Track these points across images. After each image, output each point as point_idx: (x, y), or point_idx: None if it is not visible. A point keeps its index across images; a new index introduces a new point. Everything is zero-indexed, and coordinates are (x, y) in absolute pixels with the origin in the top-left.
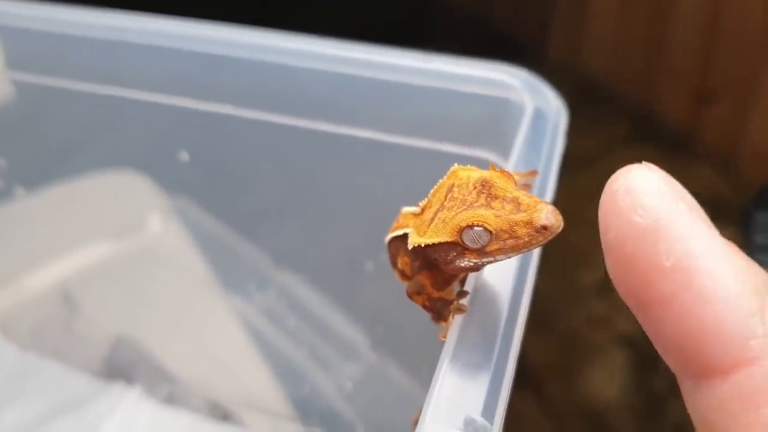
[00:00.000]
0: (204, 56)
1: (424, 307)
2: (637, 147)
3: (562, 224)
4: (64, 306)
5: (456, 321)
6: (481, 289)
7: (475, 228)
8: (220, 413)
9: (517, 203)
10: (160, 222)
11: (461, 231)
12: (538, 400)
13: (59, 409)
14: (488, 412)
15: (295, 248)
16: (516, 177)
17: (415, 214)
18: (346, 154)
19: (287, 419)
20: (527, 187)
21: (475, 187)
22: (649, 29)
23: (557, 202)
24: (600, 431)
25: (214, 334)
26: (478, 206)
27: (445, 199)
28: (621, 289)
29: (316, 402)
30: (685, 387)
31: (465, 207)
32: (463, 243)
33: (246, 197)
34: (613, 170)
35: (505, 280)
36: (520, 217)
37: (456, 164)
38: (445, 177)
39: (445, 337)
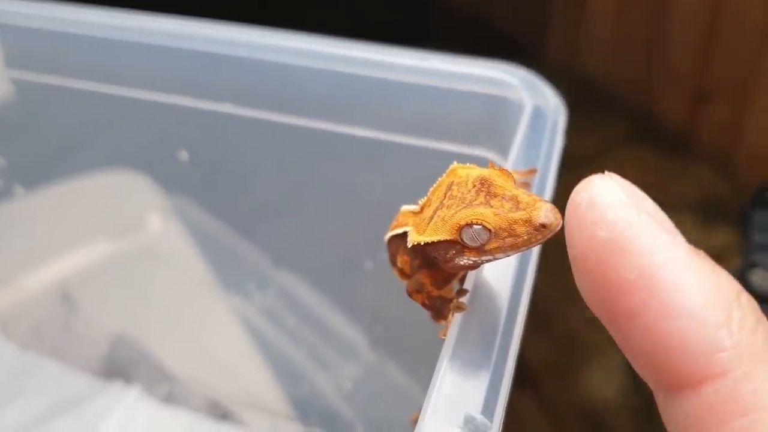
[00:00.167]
0: (203, 55)
1: (424, 305)
2: (636, 147)
3: (561, 222)
4: (64, 305)
5: (455, 319)
6: (480, 287)
7: (474, 226)
8: (220, 412)
9: (516, 201)
10: (159, 221)
11: (460, 229)
12: (537, 400)
13: (58, 408)
14: (488, 410)
15: (294, 247)
16: (515, 175)
17: (415, 213)
18: (345, 152)
19: (286, 418)
20: (526, 185)
21: (474, 186)
22: (647, 29)
23: (556, 202)
24: (598, 431)
25: (214, 334)
26: (477, 204)
27: (445, 197)
28: (589, 303)
29: (316, 401)
30: (658, 399)
31: (464, 205)
32: (463, 241)
33: (245, 196)
34: (611, 170)
35: (504, 279)
36: (519, 215)
37: (455, 162)
38: (444, 175)
39: (444, 336)
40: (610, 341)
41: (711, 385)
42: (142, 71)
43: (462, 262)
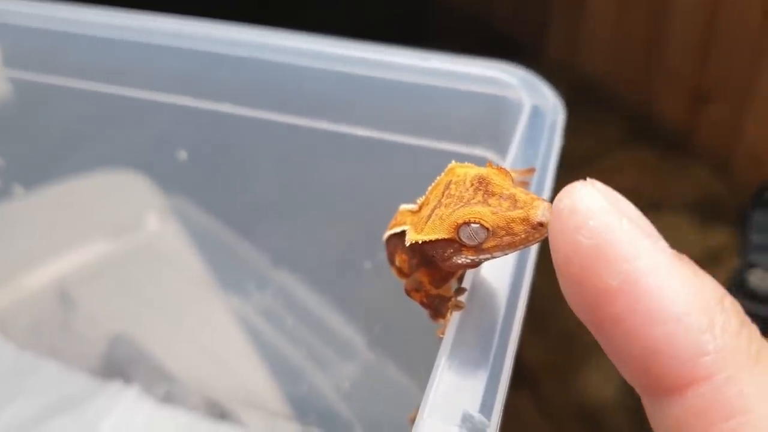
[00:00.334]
0: (202, 54)
1: (422, 304)
2: (634, 147)
3: None
4: (62, 304)
5: (454, 318)
6: (478, 286)
7: (472, 225)
8: (218, 412)
9: (513, 200)
10: (157, 221)
11: (458, 228)
12: (535, 400)
13: (57, 408)
14: (486, 408)
15: (293, 247)
16: (513, 174)
17: (413, 212)
18: (344, 152)
19: (285, 418)
20: (524, 184)
21: (472, 184)
22: (646, 30)
23: (554, 201)
24: (595, 430)
25: (212, 333)
26: (475, 203)
27: (443, 196)
28: (574, 308)
29: (314, 401)
30: (645, 403)
31: (462, 204)
32: (460, 240)
33: (244, 196)
34: (610, 170)
35: (502, 277)
36: (517, 213)
37: (453, 161)
38: (442, 174)
39: (442, 334)
40: None
41: (696, 389)
42: (141, 71)
43: (460, 261)
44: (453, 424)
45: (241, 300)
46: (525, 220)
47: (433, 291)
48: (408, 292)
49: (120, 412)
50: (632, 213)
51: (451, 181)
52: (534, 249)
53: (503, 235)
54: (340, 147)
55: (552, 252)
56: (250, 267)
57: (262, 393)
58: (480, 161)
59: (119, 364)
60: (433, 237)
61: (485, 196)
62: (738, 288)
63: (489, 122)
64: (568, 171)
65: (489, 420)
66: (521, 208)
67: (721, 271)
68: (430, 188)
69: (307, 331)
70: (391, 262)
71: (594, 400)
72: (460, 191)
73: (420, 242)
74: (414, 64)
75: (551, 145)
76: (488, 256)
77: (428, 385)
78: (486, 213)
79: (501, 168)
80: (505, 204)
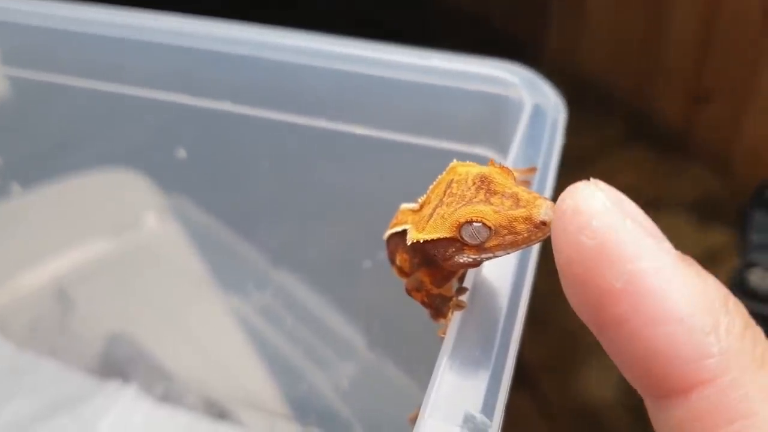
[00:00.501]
0: (202, 53)
1: (423, 303)
2: (633, 147)
3: None
4: (61, 303)
5: (455, 317)
6: (480, 285)
7: (474, 224)
8: (217, 412)
9: (516, 199)
10: (156, 220)
11: (460, 227)
12: (535, 399)
13: (55, 407)
14: (487, 408)
15: (292, 246)
16: (515, 173)
17: (414, 211)
18: (344, 151)
19: (284, 418)
20: (526, 183)
21: (474, 183)
22: (645, 29)
23: (556, 200)
24: (595, 430)
25: (211, 333)
26: (477, 202)
27: (444, 195)
28: (576, 309)
29: (314, 401)
30: (648, 405)
31: (464, 203)
32: (462, 239)
33: (244, 195)
34: (609, 169)
35: (504, 277)
36: (519, 212)
37: (455, 160)
38: (443, 173)
39: (444, 334)
40: None
41: (700, 391)
42: (140, 69)
43: (462, 260)
44: (455, 424)
45: (240, 299)
46: (527, 219)
47: (435, 290)
48: (409, 292)
49: (118, 411)
50: (636, 213)
51: (452, 179)
52: (535, 249)
53: (505, 234)
54: (340, 146)
55: (555, 252)
56: (250, 266)
57: (262, 393)
58: (481, 160)
59: (118, 364)
60: (434, 236)
61: (487, 194)
62: (738, 287)
63: (490, 121)
64: (567, 170)
65: (491, 420)
66: (524, 206)
67: (721, 270)
68: (431, 187)
69: (307, 330)
70: (392, 261)
71: (594, 400)
72: (462, 190)
73: (421, 241)
74: (415, 62)
75: (552, 143)
76: (490, 255)
77: (429, 385)
78: (488, 212)
79: (503, 166)
80: (508, 203)
